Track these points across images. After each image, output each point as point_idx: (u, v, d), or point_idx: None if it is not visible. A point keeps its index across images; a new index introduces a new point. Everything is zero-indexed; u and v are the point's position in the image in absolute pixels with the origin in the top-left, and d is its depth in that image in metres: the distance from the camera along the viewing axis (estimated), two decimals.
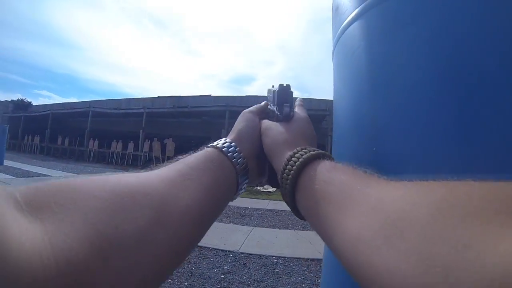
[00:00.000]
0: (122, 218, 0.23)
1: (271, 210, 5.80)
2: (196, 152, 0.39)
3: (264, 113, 0.52)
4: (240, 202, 6.42)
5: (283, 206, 6.14)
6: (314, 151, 0.35)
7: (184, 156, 0.37)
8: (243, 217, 5.11)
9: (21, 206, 0.18)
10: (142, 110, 16.12)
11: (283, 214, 5.47)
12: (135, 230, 0.23)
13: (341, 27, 0.63)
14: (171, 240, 0.27)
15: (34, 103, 27.66)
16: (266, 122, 0.47)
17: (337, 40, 0.66)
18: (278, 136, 0.43)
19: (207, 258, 3.21)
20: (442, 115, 0.40)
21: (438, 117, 0.41)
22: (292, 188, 0.34)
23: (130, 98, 20.26)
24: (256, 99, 13.95)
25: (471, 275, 0.13)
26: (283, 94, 0.49)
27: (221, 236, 3.87)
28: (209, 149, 0.40)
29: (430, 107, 0.42)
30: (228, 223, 4.65)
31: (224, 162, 0.39)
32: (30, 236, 0.17)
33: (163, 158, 10.25)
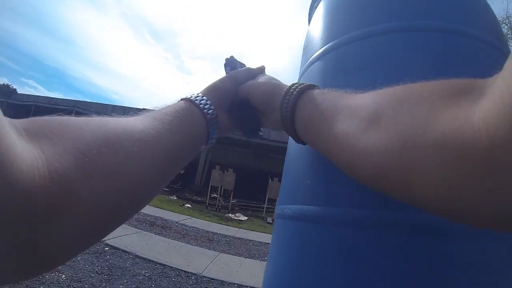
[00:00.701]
0: (105, 147, 0.26)
1: (239, 238, 5.76)
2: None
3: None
4: (209, 226, 6.37)
5: (252, 236, 6.14)
6: (304, 84, 0.43)
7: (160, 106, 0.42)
8: (211, 242, 5.05)
9: (20, 131, 0.21)
10: None
11: (251, 244, 5.45)
12: (115, 159, 0.27)
13: (306, 64, 0.71)
14: (144, 172, 0.30)
15: (19, 91, 26.95)
16: (249, 82, 0.53)
17: (301, 76, 0.74)
18: (268, 84, 0.50)
19: (169, 277, 3.15)
20: None
21: None
22: (292, 115, 0.41)
23: (116, 105, 20.10)
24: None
25: (425, 140, 0.21)
26: (226, 62, 0.61)
27: (186, 257, 3.82)
28: (182, 100, 0.44)
29: None
30: (195, 245, 4.59)
31: (195, 111, 0.42)
32: (29, 152, 0.20)
33: None
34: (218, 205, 9.68)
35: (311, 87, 0.43)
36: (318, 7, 0.82)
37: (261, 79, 0.54)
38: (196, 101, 0.44)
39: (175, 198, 10.13)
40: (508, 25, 9.10)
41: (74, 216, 0.22)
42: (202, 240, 5.03)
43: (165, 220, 6.02)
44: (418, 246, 0.42)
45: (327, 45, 0.66)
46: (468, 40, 0.57)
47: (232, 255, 4.49)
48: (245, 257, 4.50)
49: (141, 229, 4.76)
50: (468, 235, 0.42)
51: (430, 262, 0.41)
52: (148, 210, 6.55)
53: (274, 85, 0.48)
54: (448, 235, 0.43)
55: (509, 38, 9.19)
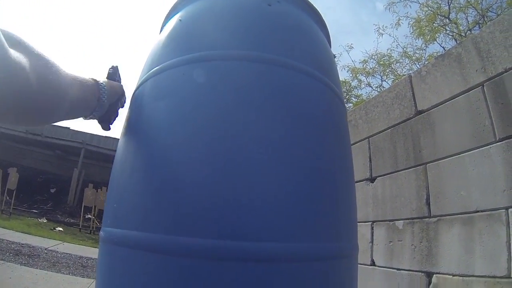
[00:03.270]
0: (50, 74, 0.45)
1: None
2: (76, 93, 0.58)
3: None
4: (84, 251, 5.92)
5: None
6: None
7: (78, 76, 0.58)
8: (85, 268, 4.72)
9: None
10: None
11: None
12: (52, 83, 0.46)
13: (137, 83, 0.77)
14: (62, 99, 0.50)
15: None
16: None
17: (135, 91, 0.77)
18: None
19: None
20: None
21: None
22: None
23: None
24: (116, 141, 13.47)
25: None
26: (111, 68, 0.78)
27: None
28: (91, 79, 0.63)
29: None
30: (66, 273, 4.23)
31: (95, 90, 0.63)
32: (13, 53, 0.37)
33: (2, 190, 8.66)
34: (93, 227, 8.95)
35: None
36: (166, 24, 0.86)
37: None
38: (100, 85, 0.64)
39: (45, 221, 8.97)
40: (376, 60, 10.79)
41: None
42: (75, 267, 4.66)
43: (33, 247, 5.37)
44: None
45: (151, 70, 0.71)
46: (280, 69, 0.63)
47: None
48: None
49: (4, 260, 4.16)
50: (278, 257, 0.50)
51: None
52: (13, 236, 5.76)
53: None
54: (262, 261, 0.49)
55: (376, 72, 10.93)
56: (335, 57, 0.99)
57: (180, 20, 0.76)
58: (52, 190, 12.88)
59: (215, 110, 0.58)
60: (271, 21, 0.72)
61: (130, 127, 0.70)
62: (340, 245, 0.61)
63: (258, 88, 0.60)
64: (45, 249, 5.45)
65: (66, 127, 15.38)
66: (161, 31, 0.92)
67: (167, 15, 0.91)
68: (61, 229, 8.17)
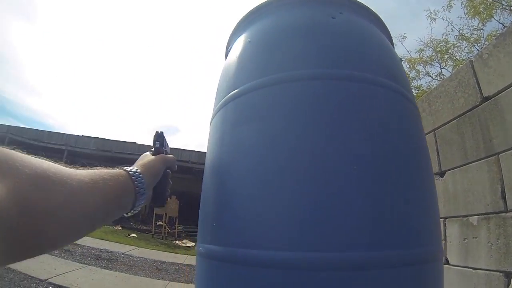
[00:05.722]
0: (42, 191, 0.32)
1: (188, 265, 5.73)
2: (112, 168, 0.48)
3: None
4: (157, 255, 6.27)
5: None
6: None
7: (102, 168, 0.46)
8: (159, 271, 5.02)
9: None
10: (64, 147, 15.13)
11: None
12: (47, 204, 0.32)
13: (216, 108, 0.79)
14: (72, 221, 0.36)
15: None
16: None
17: (213, 117, 0.81)
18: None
19: None
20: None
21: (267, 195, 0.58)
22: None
23: (53, 132, 18.88)
24: (179, 152, 14.04)
25: None
26: (158, 138, 0.68)
27: None
28: (121, 170, 0.49)
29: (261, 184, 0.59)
30: (143, 276, 4.52)
31: (129, 185, 0.48)
32: None
33: None
34: (164, 233, 9.59)
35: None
36: (233, 46, 0.87)
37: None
38: (133, 177, 0.50)
39: (120, 228, 9.76)
40: (432, 47, 10.21)
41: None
42: (150, 270, 4.98)
43: (111, 252, 5.83)
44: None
45: (229, 94, 0.71)
46: (362, 85, 0.63)
47: (182, 282, 4.49)
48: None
49: (86, 264, 4.58)
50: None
51: None
52: (92, 243, 6.27)
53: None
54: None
55: (434, 60, 10.30)
56: (401, 60, 0.95)
57: (249, 41, 0.78)
58: None
59: (305, 130, 0.60)
60: (339, 34, 0.73)
61: (217, 149, 0.72)
62: (428, 249, 0.62)
63: (344, 105, 0.62)
64: (122, 253, 5.90)
65: (133, 142, 16.47)
66: (227, 54, 0.95)
67: (230, 37, 0.93)
68: (135, 235, 8.81)
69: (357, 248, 0.53)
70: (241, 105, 0.67)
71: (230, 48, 0.91)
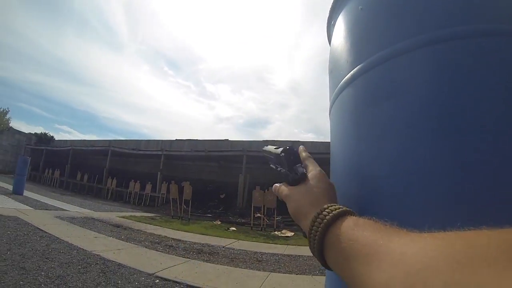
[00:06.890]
0: None
1: (288, 255, 5.63)
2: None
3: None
4: (257, 247, 6.29)
5: (300, 251, 5.97)
6: (336, 210, 0.38)
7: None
8: (260, 262, 4.96)
9: None
10: (160, 152, 16.45)
11: (300, 259, 5.29)
12: None
13: (335, 90, 0.68)
14: None
15: (55, 138, 28.57)
16: (285, 189, 0.51)
17: (333, 102, 0.71)
18: (302, 200, 0.46)
19: None
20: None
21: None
22: (320, 246, 0.37)
23: (149, 140, 20.82)
24: (272, 143, 14.16)
25: None
26: (291, 156, 0.53)
27: (237, 281, 3.75)
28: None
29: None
30: (244, 268, 4.52)
31: None
32: None
33: (180, 201, 10.33)
34: (263, 224, 9.67)
35: (341, 214, 0.38)
36: (337, 23, 0.78)
37: (300, 188, 0.49)
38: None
39: (219, 223, 10.22)
40: None
41: None
42: (251, 261, 4.96)
43: (212, 246, 6.01)
44: None
45: (354, 69, 0.61)
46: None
47: (283, 273, 4.37)
48: (296, 274, 4.35)
49: (189, 258, 4.76)
50: None
51: None
52: (194, 238, 6.59)
53: (300, 208, 0.46)
54: None
55: None
56: None
57: (361, 8, 0.65)
58: (222, 196, 14.64)
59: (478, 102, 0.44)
60: None
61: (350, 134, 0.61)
62: None
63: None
64: (223, 247, 6.03)
65: (225, 139, 17.31)
66: (330, 33, 0.84)
67: (330, 14, 0.81)
68: (234, 228, 9.10)
69: None
70: (376, 79, 0.55)
71: (334, 23, 0.80)
